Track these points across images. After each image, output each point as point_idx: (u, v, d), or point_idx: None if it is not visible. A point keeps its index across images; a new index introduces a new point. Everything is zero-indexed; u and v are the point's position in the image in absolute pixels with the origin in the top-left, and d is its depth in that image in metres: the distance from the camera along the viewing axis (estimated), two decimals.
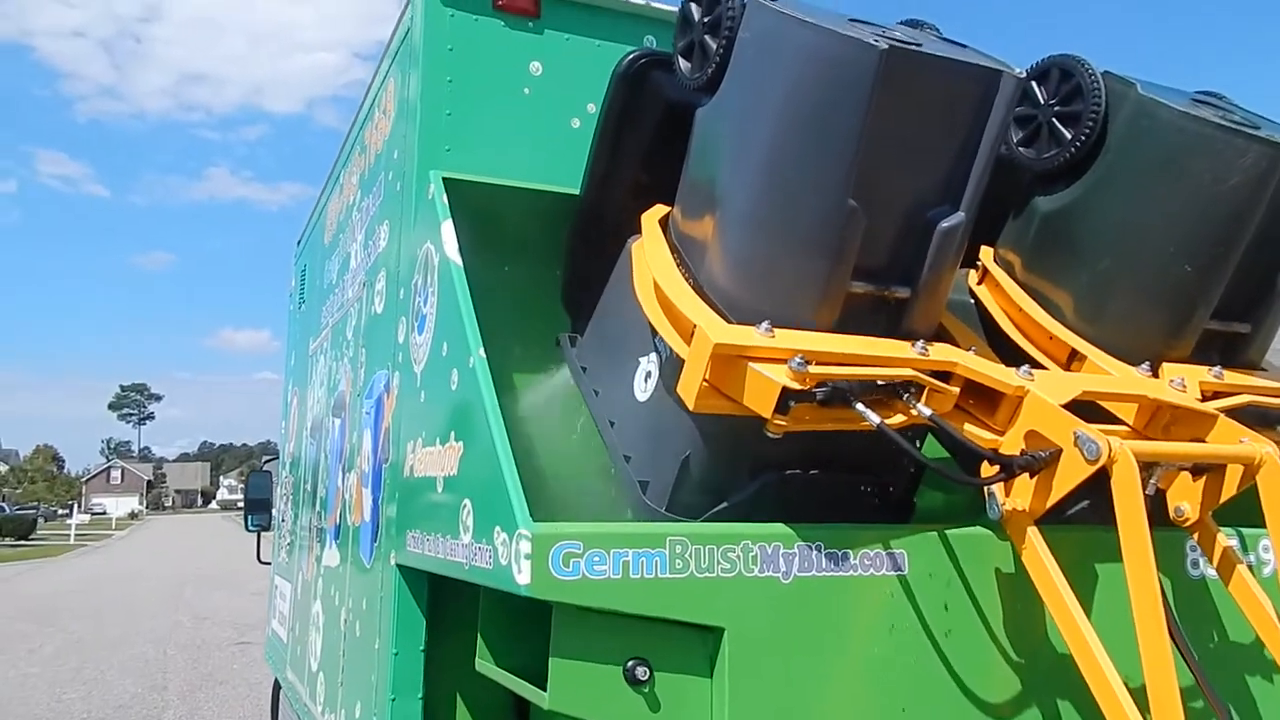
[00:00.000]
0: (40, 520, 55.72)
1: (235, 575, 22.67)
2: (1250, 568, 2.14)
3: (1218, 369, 2.41)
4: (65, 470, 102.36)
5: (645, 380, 2.28)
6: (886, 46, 1.88)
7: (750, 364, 1.90)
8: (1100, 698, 1.80)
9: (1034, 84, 2.55)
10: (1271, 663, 2.09)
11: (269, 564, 6.24)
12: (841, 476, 2.18)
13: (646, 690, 1.84)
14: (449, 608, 2.71)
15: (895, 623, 2.02)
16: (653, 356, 2.25)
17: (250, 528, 6.92)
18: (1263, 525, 2.06)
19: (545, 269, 2.83)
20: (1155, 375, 2.36)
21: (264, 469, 7.28)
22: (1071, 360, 2.46)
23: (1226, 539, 2.15)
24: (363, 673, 3.00)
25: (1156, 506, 2.18)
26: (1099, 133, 2.38)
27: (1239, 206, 2.28)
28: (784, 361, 1.89)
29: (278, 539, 5.96)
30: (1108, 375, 2.32)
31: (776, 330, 1.94)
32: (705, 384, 1.92)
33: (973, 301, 2.72)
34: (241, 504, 8.75)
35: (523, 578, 1.77)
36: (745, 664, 1.88)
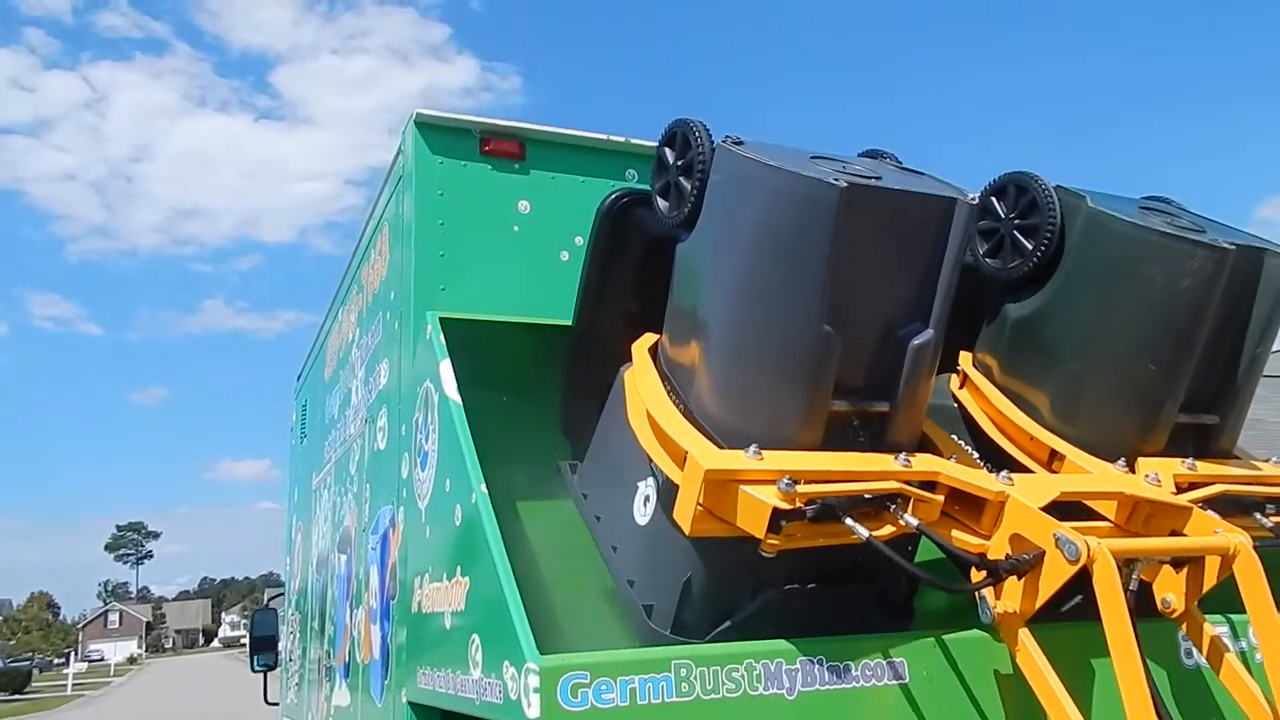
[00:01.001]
0: (35, 671, 54.40)
1: (238, 714, 22.08)
2: (1240, 654, 2.20)
3: (1190, 461, 2.50)
4: (61, 617, 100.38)
5: (644, 504, 2.36)
6: (846, 185, 2.04)
7: (741, 487, 1.99)
8: None
9: (993, 199, 2.72)
10: None
11: (277, 704, 6.17)
12: (840, 588, 2.25)
13: None
14: None
15: None
16: (650, 481, 2.34)
17: (256, 669, 6.85)
18: None
19: (544, 399, 2.95)
20: (1131, 470, 2.45)
21: (269, 606, 7.25)
22: (1053, 460, 2.55)
23: (1214, 628, 2.21)
24: None
25: (1146, 599, 2.26)
26: (1057, 243, 2.54)
27: (1193, 306, 2.42)
28: (773, 482, 1.98)
29: (285, 678, 5.91)
30: (1086, 474, 2.42)
31: (764, 452, 2.04)
32: (700, 508, 2.01)
33: (956, 405, 2.84)
34: (244, 641, 8.64)
35: (532, 711, 1.82)
36: None
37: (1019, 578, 2.06)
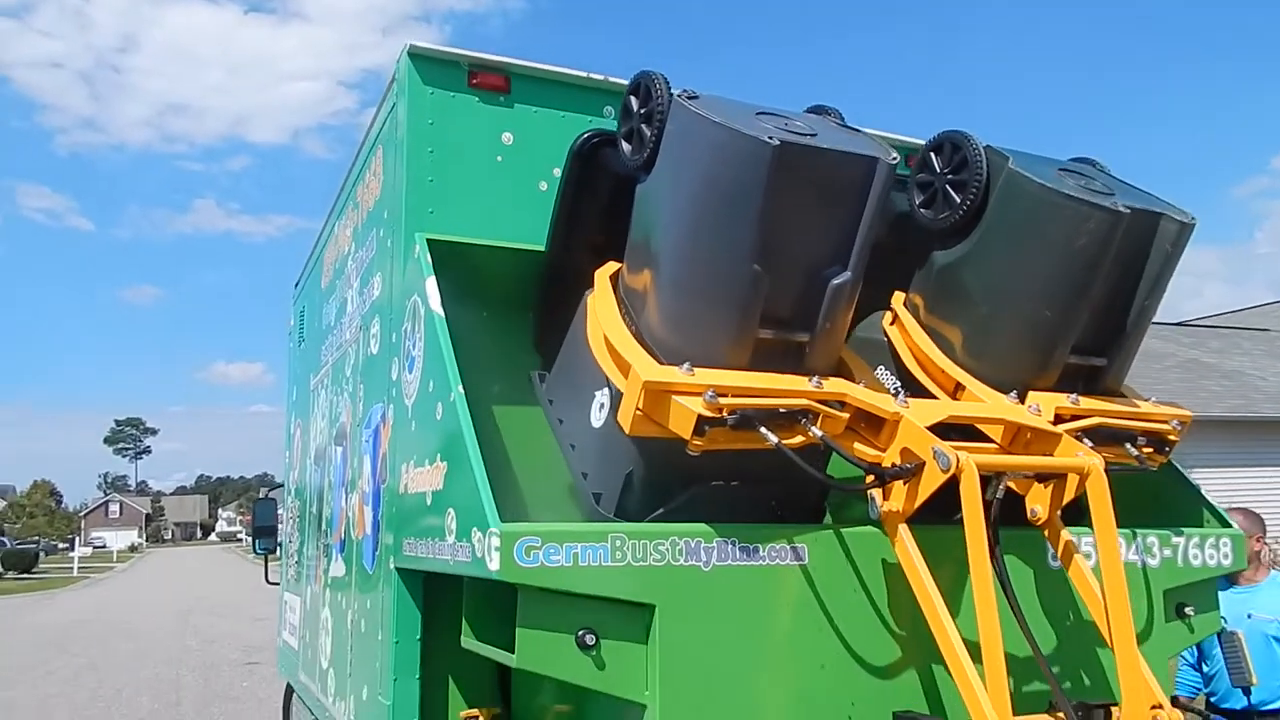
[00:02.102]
0: (41, 554, 55.92)
1: (238, 603, 23.08)
2: (1087, 557, 2.63)
3: (1075, 396, 2.89)
4: (63, 505, 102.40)
5: (599, 410, 2.76)
6: (778, 142, 2.38)
7: (674, 397, 2.39)
8: (947, 657, 2.28)
9: (932, 154, 3.03)
10: (1098, 632, 2.55)
11: (277, 584, 6.71)
12: (760, 487, 2.67)
13: (594, 653, 2.32)
14: (440, 605, 3.18)
15: (797, 601, 2.50)
16: (605, 390, 2.74)
17: (258, 552, 7.42)
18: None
19: (519, 315, 3.33)
20: (1021, 402, 2.84)
21: (268, 497, 7.75)
22: (957, 390, 2.94)
23: (1069, 535, 2.64)
24: (369, 662, 3.47)
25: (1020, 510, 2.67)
26: (981, 199, 2.85)
27: (1087, 261, 2.75)
28: (700, 395, 2.38)
29: (285, 560, 6.42)
30: (978, 402, 2.81)
31: (696, 370, 2.43)
32: (638, 412, 2.41)
33: (886, 339, 3.21)
34: (240, 535, 9.23)
35: (493, 565, 2.25)
36: (673, 633, 2.36)
37: (904, 483, 2.47)
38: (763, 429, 2.41)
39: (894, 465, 2.47)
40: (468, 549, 2.43)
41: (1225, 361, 23.37)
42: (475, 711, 3.25)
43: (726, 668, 2.41)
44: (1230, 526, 3.21)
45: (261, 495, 8.08)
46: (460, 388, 2.65)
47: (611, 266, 2.91)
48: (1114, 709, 2.33)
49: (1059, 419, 2.81)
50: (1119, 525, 2.88)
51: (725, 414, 2.38)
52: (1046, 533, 2.67)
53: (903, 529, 2.47)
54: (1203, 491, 3.35)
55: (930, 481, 2.40)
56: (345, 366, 4.32)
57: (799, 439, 2.48)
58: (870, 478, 2.49)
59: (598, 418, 2.76)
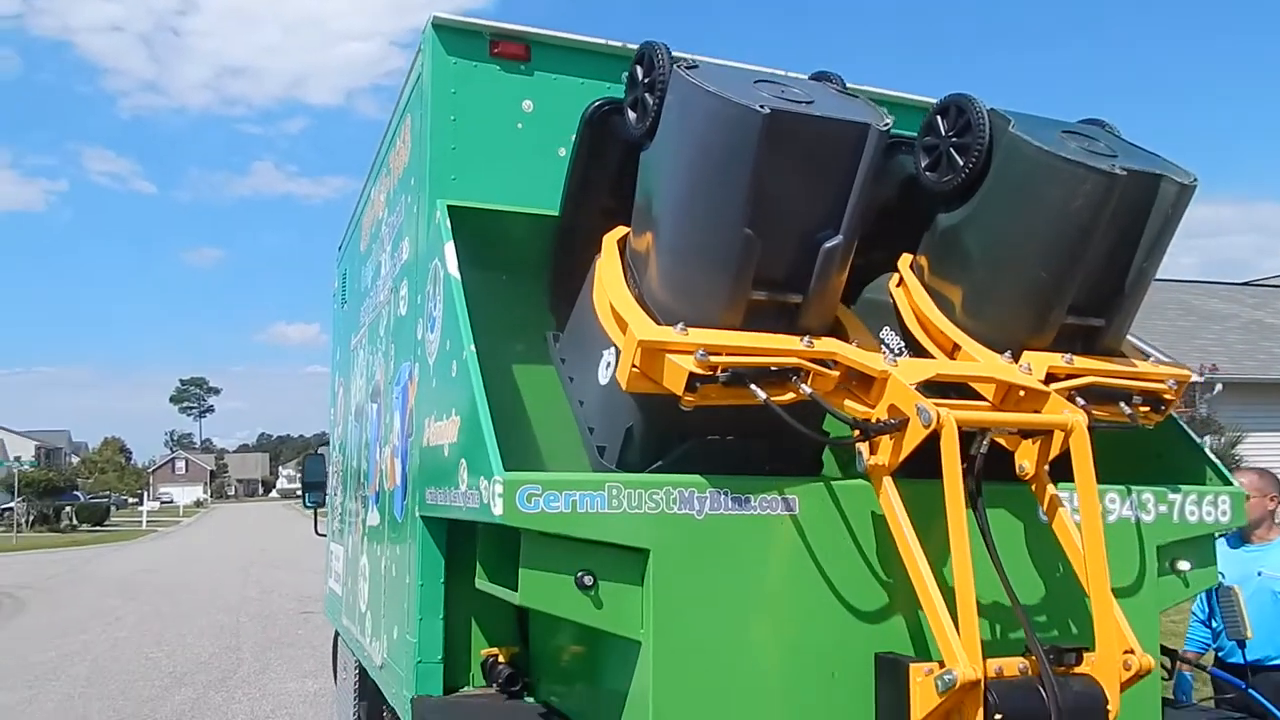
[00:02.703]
0: (112, 508, 58.08)
1: (296, 556, 23.89)
2: (1073, 512, 2.72)
3: (1069, 356, 2.95)
4: (132, 461, 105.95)
5: (605, 369, 2.91)
6: (768, 110, 2.48)
7: (668, 355, 2.53)
8: (923, 602, 2.41)
9: (937, 117, 3.10)
10: (1079, 585, 2.65)
11: (325, 536, 7.03)
12: (755, 441, 2.80)
13: (592, 593, 2.49)
14: (462, 551, 3.38)
15: (787, 549, 2.64)
16: (611, 350, 2.89)
17: (308, 505, 7.76)
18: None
19: (536, 279, 3.49)
20: (1015, 362, 2.92)
21: (318, 453, 8.07)
22: (955, 350, 3.03)
23: (1054, 490, 2.73)
24: (398, 604, 3.70)
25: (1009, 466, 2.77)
26: (983, 161, 2.91)
27: (1083, 224, 2.80)
28: (693, 353, 2.52)
29: (331, 512, 6.73)
30: (971, 361, 2.90)
31: (691, 330, 2.57)
32: (635, 370, 2.55)
33: (890, 301, 3.31)
34: (299, 492, 9.62)
35: (497, 510, 2.43)
36: (666, 576, 2.52)
37: (890, 438, 2.59)
38: (752, 386, 2.54)
39: (879, 420, 2.59)
40: (476, 496, 2.61)
41: None
42: (496, 650, 3.46)
43: (717, 609, 2.56)
44: (1232, 485, 3.27)
45: (313, 452, 8.40)
46: (472, 346, 2.82)
47: (619, 231, 3.04)
48: (1086, 653, 2.44)
49: (1053, 378, 2.88)
50: (1118, 482, 2.98)
51: (718, 371, 2.51)
52: (1034, 487, 2.77)
53: (887, 481, 2.59)
54: (1206, 450, 3.41)
55: (913, 436, 2.52)
56: (380, 327, 4.52)
57: (789, 396, 2.60)
58: (856, 432, 2.61)
59: (603, 376, 2.91)
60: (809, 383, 2.61)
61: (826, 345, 2.67)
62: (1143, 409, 3.01)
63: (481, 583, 2.89)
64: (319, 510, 7.64)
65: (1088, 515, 2.57)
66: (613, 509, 2.50)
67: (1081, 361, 2.96)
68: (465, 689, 3.48)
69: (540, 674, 3.35)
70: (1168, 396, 3.05)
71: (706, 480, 2.60)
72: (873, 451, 2.63)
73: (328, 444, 7.52)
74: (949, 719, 2.33)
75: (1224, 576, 3.46)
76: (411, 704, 3.32)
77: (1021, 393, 2.83)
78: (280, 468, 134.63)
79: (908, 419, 2.54)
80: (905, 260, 3.24)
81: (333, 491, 6.65)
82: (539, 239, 3.43)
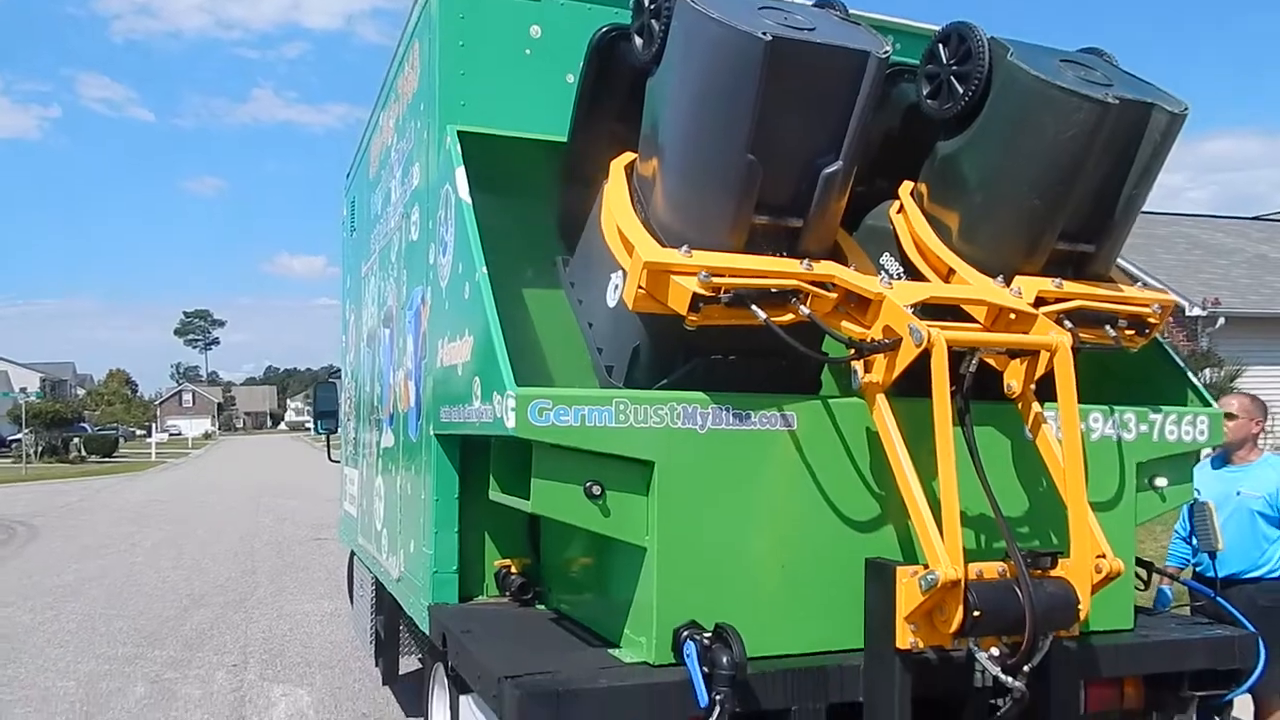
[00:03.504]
0: (120, 440, 58.74)
1: (306, 486, 24.32)
2: (1055, 430, 2.86)
3: (1059, 280, 3.06)
4: (139, 394, 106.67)
5: (613, 291, 3.03)
6: (770, 37, 2.55)
7: (672, 277, 2.64)
8: (911, 512, 2.57)
9: (939, 45, 3.15)
10: (1059, 497, 2.80)
11: (338, 461, 7.22)
12: (756, 361, 2.93)
13: (600, 502, 2.65)
14: (475, 468, 3.54)
15: (785, 462, 2.79)
16: (619, 273, 3.00)
17: (319, 431, 7.96)
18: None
19: (544, 204, 3.58)
20: (1007, 285, 3.03)
21: (329, 380, 8.24)
22: (950, 274, 3.14)
23: (1039, 408, 2.87)
24: (414, 519, 3.88)
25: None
26: (983, 89, 2.98)
27: (1076, 152, 2.87)
28: (696, 275, 2.63)
29: (345, 437, 6.91)
30: (963, 284, 3.01)
31: (694, 252, 2.68)
32: (640, 291, 2.67)
33: (890, 227, 3.41)
34: (308, 425, 9.79)
35: (510, 423, 2.57)
36: (670, 487, 2.67)
37: (884, 356, 2.72)
38: (753, 307, 2.66)
39: (873, 340, 2.71)
40: (490, 410, 2.75)
41: None
42: (508, 561, 3.64)
43: (717, 518, 2.72)
44: (1211, 406, 3.41)
45: (324, 380, 8.56)
46: (484, 268, 2.94)
47: (626, 157, 3.13)
48: (1061, 558, 2.60)
49: (1042, 302, 3.00)
50: (1104, 402, 3.11)
51: (720, 293, 2.63)
52: (1020, 406, 2.90)
53: (880, 399, 2.72)
54: (1189, 374, 3.54)
55: (906, 355, 2.65)
56: (391, 253, 4.63)
57: (789, 316, 2.72)
58: (851, 351, 2.74)
59: (611, 298, 3.03)
60: (808, 304, 2.73)
61: (825, 268, 2.79)
62: (1127, 332, 3.13)
63: (495, 494, 3.05)
64: (331, 437, 7.84)
65: (1068, 429, 2.71)
66: (620, 423, 2.64)
67: (1070, 286, 3.07)
68: (479, 598, 3.67)
69: (551, 583, 3.54)
70: (1152, 320, 3.17)
71: (709, 397, 2.74)
72: (867, 370, 2.76)
73: (338, 371, 7.68)
74: (931, 617, 2.50)
75: (1199, 493, 3.61)
76: (429, 611, 3.51)
77: (1012, 315, 2.95)
78: (288, 400, 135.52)
79: (901, 339, 2.66)
80: (905, 188, 3.32)
81: (345, 418, 6.82)
82: (547, 165, 3.52)
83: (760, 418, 2.79)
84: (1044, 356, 2.80)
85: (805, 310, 2.72)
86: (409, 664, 5.58)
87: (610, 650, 2.81)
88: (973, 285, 3.02)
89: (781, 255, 2.81)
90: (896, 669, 2.52)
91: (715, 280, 2.62)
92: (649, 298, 2.69)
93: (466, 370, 3.04)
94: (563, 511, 2.67)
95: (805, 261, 2.77)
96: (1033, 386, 2.88)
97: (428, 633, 3.56)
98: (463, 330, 3.11)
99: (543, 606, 3.52)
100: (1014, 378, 2.89)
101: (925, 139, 3.21)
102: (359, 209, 5.99)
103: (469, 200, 3.14)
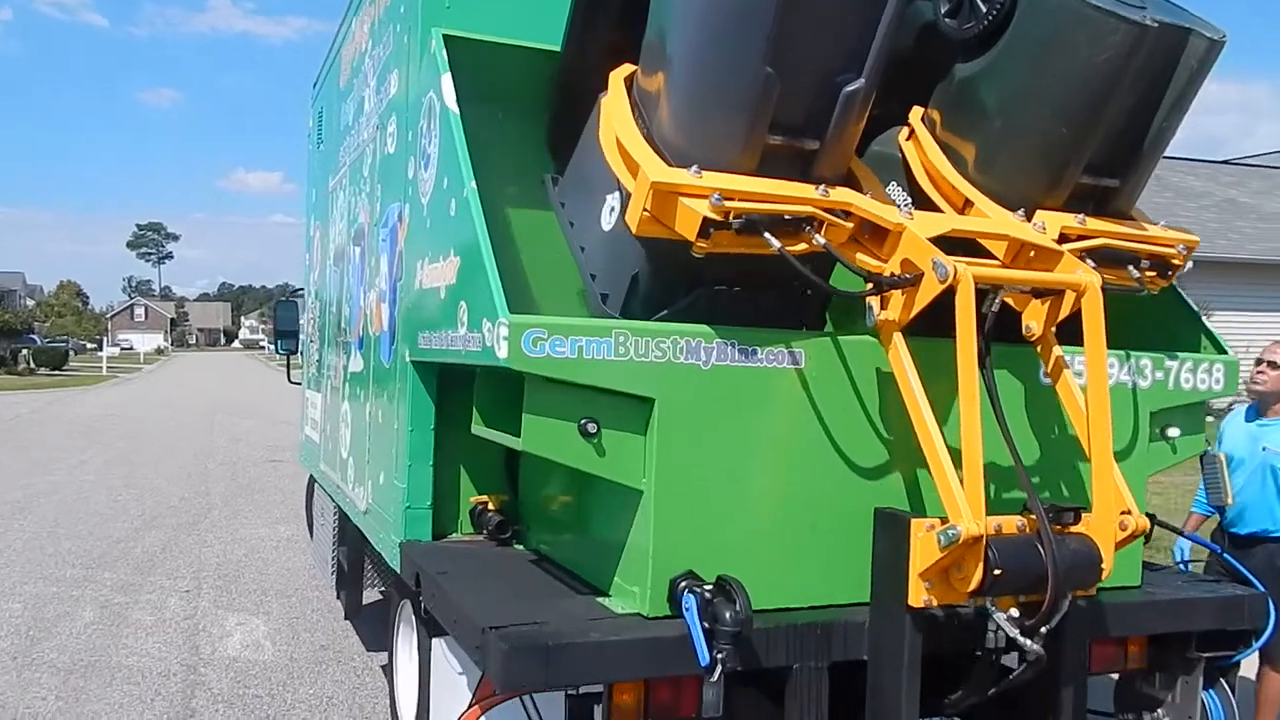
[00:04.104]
0: (71, 353, 57.43)
1: (263, 406, 23.92)
2: (1076, 374, 2.71)
3: (1082, 217, 2.89)
4: (90, 307, 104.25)
5: (609, 214, 2.80)
6: None
7: (681, 198, 2.42)
8: (929, 460, 2.40)
9: None
10: (1080, 446, 2.66)
11: (299, 384, 6.96)
12: (761, 293, 2.74)
13: (595, 441, 2.46)
14: (453, 398, 3.33)
15: (791, 402, 2.62)
16: (616, 194, 2.77)
17: (280, 352, 7.67)
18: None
19: (534, 117, 3.32)
20: (1028, 220, 2.85)
21: (290, 299, 7.91)
22: (966, 206, 2.95)
23: (1060, 352, 2.71)
24: (385, 450, 3.67)
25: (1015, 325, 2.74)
26: (1008, 8, 2.76)
27: (1108, 78, 2.69)
28: (706, 197, 2.41)
29: (306, 359, 6.64)
30: (983, 217, 2.82)
31: (705, 173, 2.45)
32: (646, 213, 2.45)
33: (900, 155, 3.20)
34: (262, 343, 9.46)
35: (502, 353, 2.36)
36: (670, 426, 2.49)
37: (901, 292, 2.53)
38: (766, 234, 2.45)
39: (893, 274, 2.52)
40: (478, 338, 2.53)
41: (1266, 204, 22.79)
42: (485, 498, 3.46)
43: (719, 460, 2.55)
44: (1227, 354, 3.28)
45: (285, 298, 8.23)
46: (474, 183, 2.69)
47: (627, 68, 2.88)
48: (1084, 513, 2.47)
49: (1064, 238, 2.83)
50: (1117, 347, 2.96)
51: (731, 218, 2.42)
52: (1039, 349, 2.74)
53: (897, 338, 2.54)
54: (1204, 320, 3.41)
55: (927, 291, 2.46)
56: (363, 166, 4.33)
57: (802, 246, 2.52)
58: (869, 286, 2.55)
59: (607, 220, 2.80)
60: (822, 233, 2.53)
61: (842, 195, 2.58)
62: (1149, 274, 2.98)
63: (478, 428, 2.85)
64: (291, 358, 7.56)
65: (1094, 378, 2.55)
66: (619, 356, 2.44)
67: (1093, 223, 2.91)
68: (453, 535, 3.50)
69: (530, 522, 3.37)
70: (1175, 262, 3.01)
71: (714, 331, 2.54)
72: (883, 306, 2.58)
73: (299, 290, 7.36)
74: (948, 573, 2.36)
75: (1219, 444, 3.47)
76: (401, 549, 3.33)
77: (1032, 252, 2.77)
78: (243, 318, 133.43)
79: (922, 274, 2.47)
80: (916, 113, 3.12)
81: (308, 339, 6.54)
82: (538, 75, 3.26)
83: (767, 354, 2.60)
84: (1068, 297, 2.64)
85: (820, 240, 2.51)
86: (370, 595, 5.42)
87: (599, 599, 2.65)
88: (993, 218, 2.83)
89: (794, 180, 2.59)
90: (907, 627, 2.38)
91: (728, 204, 2.40)
92: (653, 221, 2.47)
93: (450, 294, 2.81)
94: (555, 450, 2.47)
95: (821, 187, 2.56)
96: (1053, 329, 2.72)
97: (399, 571, 3.38)
98: (446, 250, 2.86)
99: (521, 546, 3.36)
100: (1034, 319, 2.72)
101: (941, 60, 2.99)
102: (327, 120, 5.65)
103: (456, 110, 2.88)
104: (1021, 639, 2.32)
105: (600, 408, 2.47)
